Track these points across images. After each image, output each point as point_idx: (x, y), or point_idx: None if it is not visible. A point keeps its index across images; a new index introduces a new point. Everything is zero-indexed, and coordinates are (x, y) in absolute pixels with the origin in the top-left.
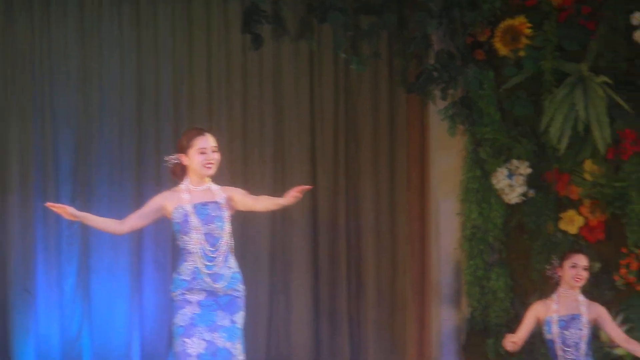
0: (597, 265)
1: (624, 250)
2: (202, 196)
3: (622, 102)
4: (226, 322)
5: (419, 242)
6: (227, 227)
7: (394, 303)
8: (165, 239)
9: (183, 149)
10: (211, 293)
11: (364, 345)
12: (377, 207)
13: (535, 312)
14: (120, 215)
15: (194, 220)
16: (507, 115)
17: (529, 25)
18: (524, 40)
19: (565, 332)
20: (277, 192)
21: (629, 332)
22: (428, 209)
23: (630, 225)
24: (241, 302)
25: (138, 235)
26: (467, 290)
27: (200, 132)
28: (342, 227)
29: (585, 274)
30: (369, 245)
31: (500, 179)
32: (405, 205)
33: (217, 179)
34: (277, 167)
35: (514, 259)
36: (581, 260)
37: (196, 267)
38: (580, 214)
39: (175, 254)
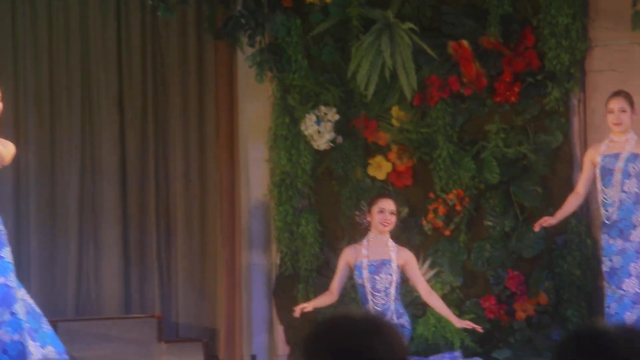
0: (405, 210)
1: (431, 195)
2: None
3: (428, 49)
4: None
5: (229, 189)
6: None
7: (204, 250)
8: None
9: None
10: None
11: (174, 292)
12: (186, 154)
13: (346, 258)
14: None
15: None
16: (315, 62)
17: None
18: None
19: (376, 276)
20: (85, 137)
21: (437, 276)
22: (237, 155)
23: (437, 170)
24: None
25: None
26: (277, 236)
27: None
28: (151, 174)
29: (392, 219)
30: (178, 193)
31: (309, 126)
32: (215, 152)
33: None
34: (85, 112)
35: (323, 205)
36: (388, 204)
37: None
38: (388, 159)
39: None
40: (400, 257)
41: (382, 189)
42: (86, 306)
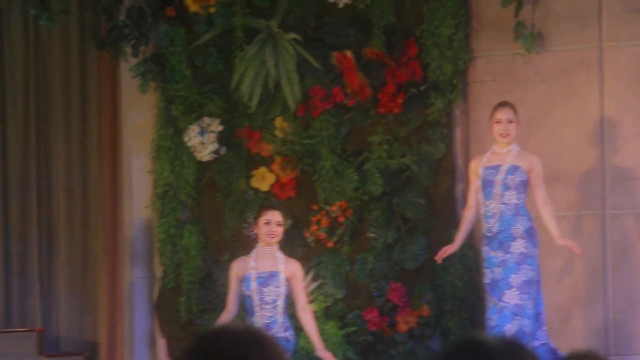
0: (289, 222)
1: (314, 207)
2: None
3: (311, 59)
4: None
5: (111, 200)
6: None
7: (86, 262)
8: None
9: None
10: None
11: (55, 305)
12: (69, 164)
13: (235, 271)
14: None
15: None
16: (199, 72)
17: None
18: None
19: (264, 289)
20: None
21: (319, 288)
22: (120, 166)
23: (320, 182)
24: None
25: None
26: (159, 249)
27: None
28: (33, 184)
29: (279, 230)
30: (61, 203)
31: (192, 137)
32: (97, 162)
33: None
34: None
35: (206, 217)
36: (275, 216)
37: None
38: (271, 171)
39: None
40: (288, 268)
41: (266, 201)
42: None
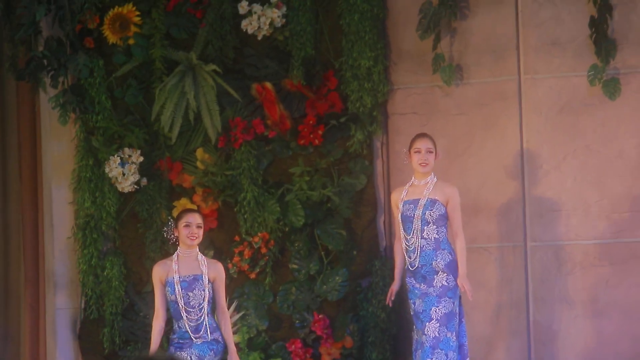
0: (211, 253)
1: (236, 238)
2: None
3: (231, 90)
4: None
5: (32, 231)
6: None
7: (8, 292)
8: None
9: None
10: None
11: None
12: None
13: (158, 275)
14: None
15: None
16: (119, 104)
17: (138, 13)
18: (133, 28)
19: (189, 293)
20: None
21: (242, 319)
22: (41, 197)
23: (242, 213)
24: None
25: None
26: (82, 279)
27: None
28: None
29: (199, 232)
30: None
31: (113, 168)
32: (18, 194)
33: None
34: None
35: (128, 247)
36: (194, 218)
37: None
38: (193, 202)
39: None
40: (211, 270)
41: (188, 208)
42: None
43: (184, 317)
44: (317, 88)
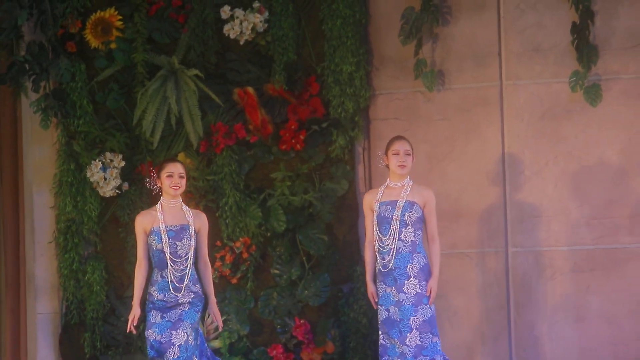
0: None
1: (218, 243)
2: None
3: (213, 95)
4: None
5: (13, 235)
6: None
7: None
8: None
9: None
10: None
11: None
12: None
13: (142, 224)
14: None
15: None
16: (101, 108)
17: (120, 17)
18: (115, 33)
19: (177, 242)
20: None
21: (224, 324)
22: (22, 202)
23: (223, 218)
24: None
25: None
26: (63, 284)
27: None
28: None
29: (182, 182)
30: None
31: (95, 172)
32: None
33: None
34: None
35: (109, 252)
36: (177, 168)
37: None
38: None
39: None
40: (196, 221)
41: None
42: None
43: (170, 267)
44: (299, 93)
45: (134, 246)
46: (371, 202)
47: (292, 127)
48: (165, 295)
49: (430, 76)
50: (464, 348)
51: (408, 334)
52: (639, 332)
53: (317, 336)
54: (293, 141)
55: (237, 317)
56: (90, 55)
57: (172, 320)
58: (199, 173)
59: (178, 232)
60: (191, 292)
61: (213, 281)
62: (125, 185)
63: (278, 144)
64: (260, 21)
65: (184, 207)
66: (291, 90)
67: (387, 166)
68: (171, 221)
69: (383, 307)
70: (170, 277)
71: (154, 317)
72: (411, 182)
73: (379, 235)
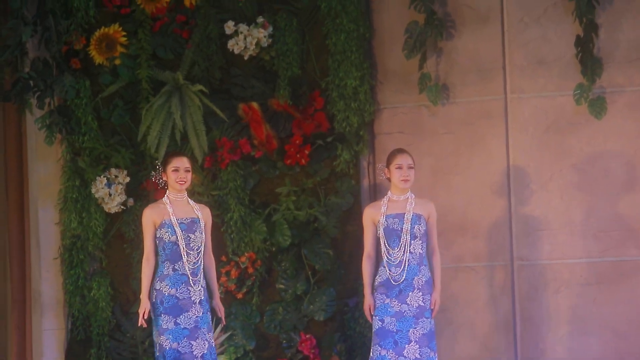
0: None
1: (223, 258)
2: None
3: (218, 111)
4: None
5: (19, 252)
6: None
7: None
8: None
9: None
10: None
11: None
12: None
13: (151, 217)
14: None
15: None
16: (105, 124)
17: (124, 33)
18: (120, 49)
19: (190, 235)
20: None
21: (229, 339)
22: (27, 218)
23: (229, 233)
24: None
25: None
26: (68, 300)
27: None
28: None
29: (188, 176)
30: None
31: (100, 188)
32: (4, 214)
33: None
34: None
35: (115, 268)
36: (182, 162)
37: None
38: None
39: None
40: (204, 215)
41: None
42: None
43: (185, 259)
44: (303, 108)
45: (140, 261)
46: (375, 216)
47: (297, 141)
48: (177, 290)
49: (435, 90)
50: None
51: (406, 346)
52: None
53: (323, 351)
54: (298, 156)
55: (242, 332)
56: (94, 71)
57: (189, 328)
58: (203, 188)
59: (190, 225)
60: (201, 286)
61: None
62: (131, 201)
63: (283, 159)
64: (265, 36)
65: (190, 201)
66: (296, 105)
67: (389, 179)
68: (181, 214)
69: (377, 317)
70: (186, 268)
71: (166, 322)
72: (413, 195)
73: (386, 248)
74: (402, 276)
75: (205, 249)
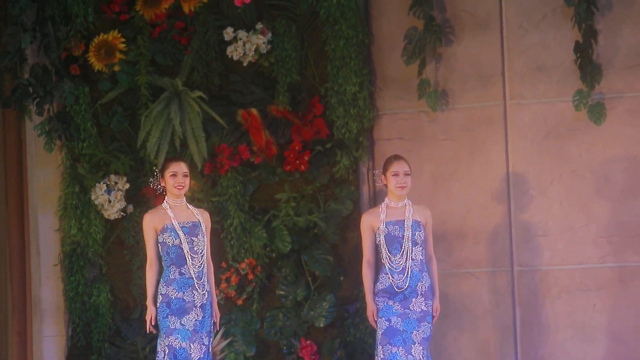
0: None
1: (223, 264)
2: None
3: (217, 117)
4: None
5: (19, 258)
6: None
7: None
8: None
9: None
10: None
11: None
12: None
13: (152, 224)
14: None
15: None
16: (105, 131)
17: (123, 40)
18: (119, 55)
19: (193, 238)
20: None
21: (230, 345)
22: (27, 225)
23: (228, 239)
24: None
25: None
26: (68, 307)
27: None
28: None
29: (186, 181)
30: None
31: (99, 195)
32: (4, 220)
33: None
34: None
35: (115, 274)
36: (180, 167)
37: None
38: None
39: None
40: (204, 219)
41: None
42: None
43: (189, 262)
44: (302, 114)
45: (140, 267)
46: (374, 222)
47: (296, 148)
48: (184, 293)
49: (434, 96)
50: None
51: (412, 346)
52: None
53: (323, 357)
54: (297, 162)
55: (243, 338)
56: (93, 78)
57: (190, 329)
58: (203, 195)
59: (192, 229)
60: (206, 290)
61: (219, 302)
62: (130, 208)
63: (282, 165)
64: (264, 42)
65: (190, 206)
66: (295, 111)
67: (385, 185)
68: (182, 218)
69: (383, 318)
70: (191, 272)
71: (174, 323)
72: (410, 202)
73: (388, 255)
74: (406, 283)
75: (206, 252)
